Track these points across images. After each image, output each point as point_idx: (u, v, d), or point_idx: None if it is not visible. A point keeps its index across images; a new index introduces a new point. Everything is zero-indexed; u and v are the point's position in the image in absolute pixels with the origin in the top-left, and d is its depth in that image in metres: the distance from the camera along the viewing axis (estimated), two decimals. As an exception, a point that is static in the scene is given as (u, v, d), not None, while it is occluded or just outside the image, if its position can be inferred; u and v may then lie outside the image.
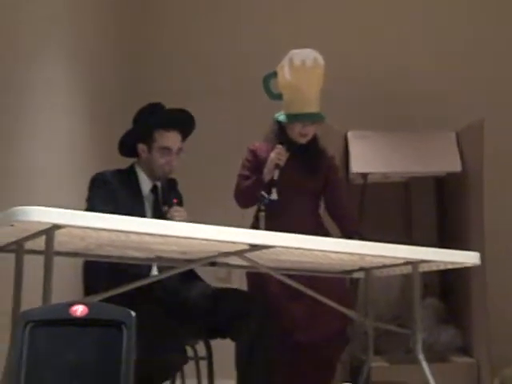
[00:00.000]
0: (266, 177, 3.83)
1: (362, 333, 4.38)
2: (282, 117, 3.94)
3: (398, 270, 3.68)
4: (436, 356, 4.33)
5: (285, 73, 3.88)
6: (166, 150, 3.48)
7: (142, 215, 3.37)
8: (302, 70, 3.85)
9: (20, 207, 2.53)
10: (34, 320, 1.80)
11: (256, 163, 3.95)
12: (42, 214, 2.53)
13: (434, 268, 3.64)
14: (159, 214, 3.39)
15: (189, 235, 2.77)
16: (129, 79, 5.48)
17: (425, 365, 3.40)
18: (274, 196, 3.82)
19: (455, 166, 4.80)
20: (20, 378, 1.77)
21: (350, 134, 4.91)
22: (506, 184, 5.25)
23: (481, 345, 4.55)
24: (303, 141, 3.93)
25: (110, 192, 3.38)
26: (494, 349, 4.55)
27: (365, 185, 4.93)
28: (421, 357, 3.42)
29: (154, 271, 3.43)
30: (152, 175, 3.52)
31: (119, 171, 3.54)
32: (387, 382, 4.20)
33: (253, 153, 4.00)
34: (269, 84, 3.96)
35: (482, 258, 3.58)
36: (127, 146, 3.55)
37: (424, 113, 5.38)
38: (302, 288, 3.44)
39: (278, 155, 3.82)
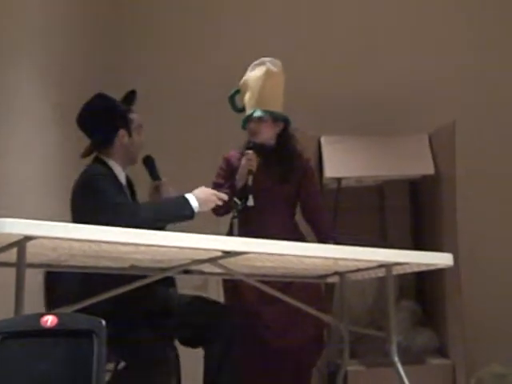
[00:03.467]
0: (239, 183, 3.87)
1: (338, 337, 4.40)
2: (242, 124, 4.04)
3: (372, 274, 3.69)
4: (412, 358, 4.35)
5: (243, 88, 4.03)
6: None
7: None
8: (249, 79, 3.99)
9: (-11, 220, 2.52)
10: (4, 331, 1.80)
11: (229, 171, 3.99)
12: (13, 226, 2.51)
13: (408, 270, 3.66)
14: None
15: (161, 243, 2.77)
16: (101, 87, 5.48)
17: (400, 367, 3.42)
18: (251, 202, 3.85)
19: (428, 169, 4.83)
20: (-9, 391, 1.76)
21: (323, 139, 4.93)
22: (479, 186, 5.29)
23: (456, 346, 4.58)
24: (256, 139, 3.97)
25: (114, 182, 3.39)
26: (469, 350, 4.58)
27: (339, 189, 4.95)
28: (396, 359, 3.43)
29: None
30: (126, 163, 3.50)
31: (98, 166, 3.49)
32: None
33: (226, 161, 4.03)
34: (234, 100, 4.08)
35: (456, 260, 3.61)
36: (103, 140, 3.49)
37: (396, 116, 5.41)
38: (276, 294, 3.45)
39: (248, 161, 3.86)
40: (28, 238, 2.58)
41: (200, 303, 3.52)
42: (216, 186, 3.96)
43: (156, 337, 3.38)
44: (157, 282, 3.25)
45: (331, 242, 3.82)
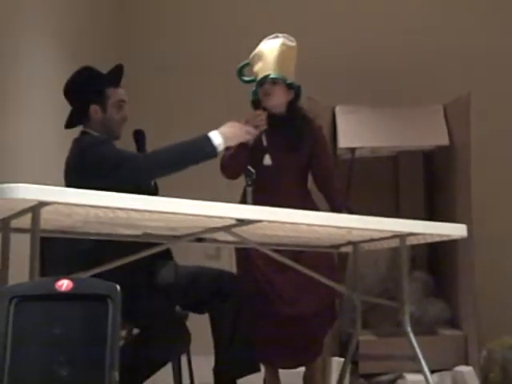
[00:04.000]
0: (250, 142, 3.81)
1: (350, 307, 4.41)
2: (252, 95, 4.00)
3: (385, 244, 3.69)
4: (424, 329, 4.36)
5: (254, 61, 3.99)
6: (122, 103, 3.51)
7: None
8: (263, 49, 3.94)
9: (4, 184, 2.51)
10: (19, 295, 1.81)
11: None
12: (28, 191, 2.51)
13: (422, 241, 3.65)
14: None
15: (175, 210, 2.77)
16: (118, 45, 5.50)
17: (412, 337, 3.43)
18: (268, 161, 3.87)
19: (443, 140, 4.81)
20: (6, 353, 1.77)
21: (337, 109, 4.90)
22: (494, 157, 5.27)
23: (468, 318, 4.58)
24: (269, 102, 3.93)
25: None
26: (481, 321, 4.58)
27: (353, 160, 4.93)
28: (408, 329, 3.44)
29: None
30: (109, 136, 3.49)
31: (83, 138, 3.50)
32: (374, 355, 4.22)
33: None
34: (242, 73, 4.03)
35: (470, 232, 3.60)
36: (78, 113, 3.52)
37: (411, 87, 5.38)
38: (288, 262, 3.46)
39: (260, 121, 3.82)
40: (43, 204, 2.58)
41: (205, 272, 3.56)
42: (226, 150, 3.93)
43: (166, 304, 3.41)
44: (155, 255, 3.23)
45: (344, 211, 3.82)
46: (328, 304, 3.95)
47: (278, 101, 3.95)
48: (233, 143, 3.51)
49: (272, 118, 3.91)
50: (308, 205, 3.81)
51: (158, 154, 3.33)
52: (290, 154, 3.94)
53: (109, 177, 3.22)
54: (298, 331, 3.84)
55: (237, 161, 3.85)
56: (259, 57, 3.97)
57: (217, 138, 3.36)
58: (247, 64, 4.03)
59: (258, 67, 3.97)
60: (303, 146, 3.97)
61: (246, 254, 3.86)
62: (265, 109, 3.94)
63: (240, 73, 4.04)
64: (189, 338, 3.51)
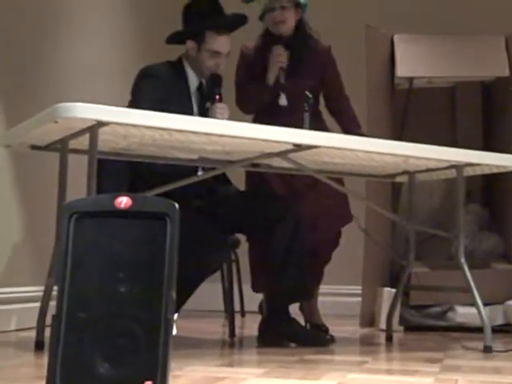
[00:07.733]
0: (270, 80, 3.68)
1: (403, 238, 4.38)
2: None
3: (441, 174, 3.65)
4: (477, 263, 4.31)
5: None
6: (216, 53, 3.42)
7: (191, 113, 3.35)
8: None
9: (64, 103, 2.53)
10: (79, 211, 1.81)
11: (245, 64, 3.81)
12: (86, 111, 2.52)
13: (479, 172, 3.60)
14: (204, 113, 3.38)
15: (233, 133, 2.76)
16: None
17: (466, 269, 3.40)
18: (283, 101, 3.69)
19: (503, 71, 4.68)
20: (66, 269, 1.79)
21: (396, 38, 4.78)
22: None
23: (522, 252, 4.53)
24: (282, 29, 3.71)
25: (159, 87, 3.32)
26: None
27: (410, 89, 4.85)
28: (462, 261, 3.42)
29: (199, 172, 3.41)
30: (199, 73, 3.47)
31: (169, 64, 3.48)
32: (425, 287, 4.19)
33: (241, 54, 3.83)
34: None
35: (527, 164, 3.53)
36: (177, 39, 3.51)
37: (473, 16, 5.25)
38: (333, 184, 3.37)
39: (277, 57, 3.67)
40: (101, 124, 2.59)
41: (260, 194, 3.59)
42: (240, 85, 3.80)
43: (215, 228, 3.39)
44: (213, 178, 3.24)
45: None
46: (338, 231, 3.88)
47: (289, 27, 3.73)
48: None
49: (281, 42, 3.71)
50: (321, 129, 3.57)
51: None
52: (302, 78, 3.74)
53: None
54: (312, 257, 3.73)
55: (258, 98, 3.71)
56: None
57: None
58: None
59: None
60: (315, 68, 3.78)
61: (261, 179, 3.73)
62: (279, 36, 3.73)
63: None
64: (226, 256, 3.51)
